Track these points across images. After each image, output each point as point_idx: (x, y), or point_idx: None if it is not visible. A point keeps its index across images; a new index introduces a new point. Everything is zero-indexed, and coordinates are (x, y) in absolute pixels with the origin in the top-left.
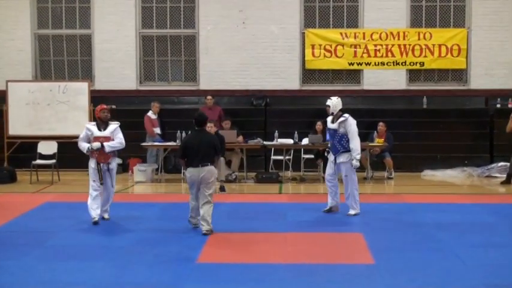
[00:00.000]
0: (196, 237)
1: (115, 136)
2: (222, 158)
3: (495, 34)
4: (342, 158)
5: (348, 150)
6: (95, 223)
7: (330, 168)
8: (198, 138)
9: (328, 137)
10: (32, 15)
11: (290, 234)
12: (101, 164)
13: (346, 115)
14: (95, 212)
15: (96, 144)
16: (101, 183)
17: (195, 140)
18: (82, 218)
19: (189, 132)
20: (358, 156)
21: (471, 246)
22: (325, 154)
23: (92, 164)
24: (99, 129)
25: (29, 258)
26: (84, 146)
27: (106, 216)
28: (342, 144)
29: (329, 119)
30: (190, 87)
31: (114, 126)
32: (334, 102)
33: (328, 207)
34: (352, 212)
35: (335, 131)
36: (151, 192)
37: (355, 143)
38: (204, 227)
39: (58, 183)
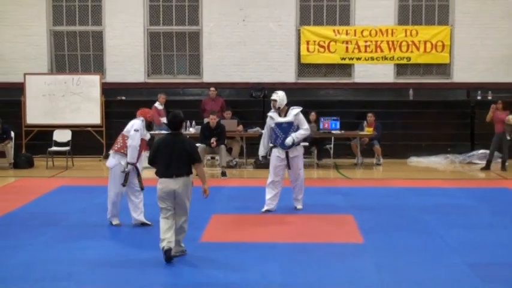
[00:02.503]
0: (199, 218)
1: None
2: (223, 146)
3: (476, 31)
4: (298, 151)
5: (299, 142)
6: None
7: (280, 168)
8: (171, 144)
9: (277, 132)
10: (48, 13)
11: (286, 215)
12: (130, 165)
13: (299, 107)
14: (116, 219)
15: None
16: (124, 185)
17: (168, 146)
18: (94, 200)
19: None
20: (297, 140)
21: (453, 227)
22: (261, 159)
23: (125, 163)
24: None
25: (46, 237)
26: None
27: (147, 221)
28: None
29: (274, 114)
30: (194, 79)
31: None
32: (281, 97)
33: (268, 209)
34: (301, 206)
35: (290, 124)
36: None
37: (309, 131)
38: (175, 248)
39: (72, 168)
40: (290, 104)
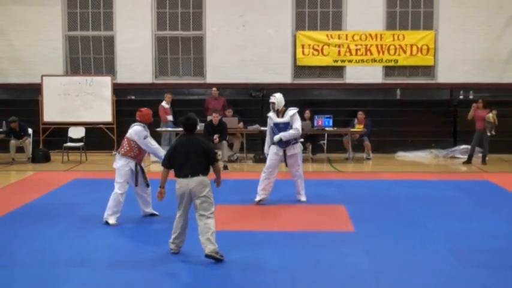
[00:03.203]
0: None
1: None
2: (225, 142)
3: (458, 36)
4: (296, 149)
5: (297, 141)
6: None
7: (274, 161)
8: (187, 145)
9: (275, 131)
10: (63, 19)
11: (283, 206)
12: (138, 166)
13: (295, 108)
14: (115, 218)
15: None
16: (136, 185)
17: (184, 147)
18: (106, 192)
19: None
20: (285, 138)
21: (437, 216)
22: (266, 155)
23: (132, 165)
24: None
25: (61, 226)
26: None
27: (155, 211)
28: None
29: (273, 115)
30: (198, 80)
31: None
32: (279, 99)
33: (260, 199)
34: (304, 198)
35: (287, 124)
36: None
37: (298, 132)
38: (207, 248)
39: (85, 162)
40: (287, 102)
